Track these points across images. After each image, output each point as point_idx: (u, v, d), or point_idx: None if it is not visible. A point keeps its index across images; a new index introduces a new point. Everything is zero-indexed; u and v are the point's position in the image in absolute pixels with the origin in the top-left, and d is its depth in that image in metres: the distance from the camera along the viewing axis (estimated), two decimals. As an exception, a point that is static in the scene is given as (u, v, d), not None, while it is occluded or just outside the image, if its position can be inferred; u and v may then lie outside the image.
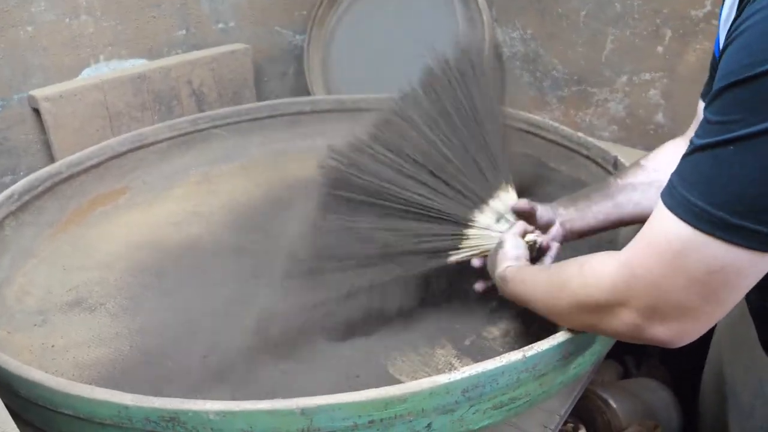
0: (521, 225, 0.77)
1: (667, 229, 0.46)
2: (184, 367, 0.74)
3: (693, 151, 0.45)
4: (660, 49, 1.32)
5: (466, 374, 0.55)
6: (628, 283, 0.50)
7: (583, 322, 0.58)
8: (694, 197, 0.43)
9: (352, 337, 0.79)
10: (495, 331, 0.80)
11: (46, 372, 0.73)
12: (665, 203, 0.46)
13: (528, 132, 1.19)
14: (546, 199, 0.85)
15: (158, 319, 0.83)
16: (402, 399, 0.54)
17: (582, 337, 0.62)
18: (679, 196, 0.45)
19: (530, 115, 1.19)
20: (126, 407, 0.54)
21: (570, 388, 0.73)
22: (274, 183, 1.21)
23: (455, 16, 1.35)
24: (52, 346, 0.80)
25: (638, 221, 0.82)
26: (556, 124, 1.15)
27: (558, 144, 1.15)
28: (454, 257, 0.79)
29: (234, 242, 1.01)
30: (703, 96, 0.70)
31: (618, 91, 1.42)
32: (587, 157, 1.08)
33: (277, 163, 1.27)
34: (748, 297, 0.62)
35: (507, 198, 0.81)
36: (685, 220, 0.44)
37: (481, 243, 0.79)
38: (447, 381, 0.55)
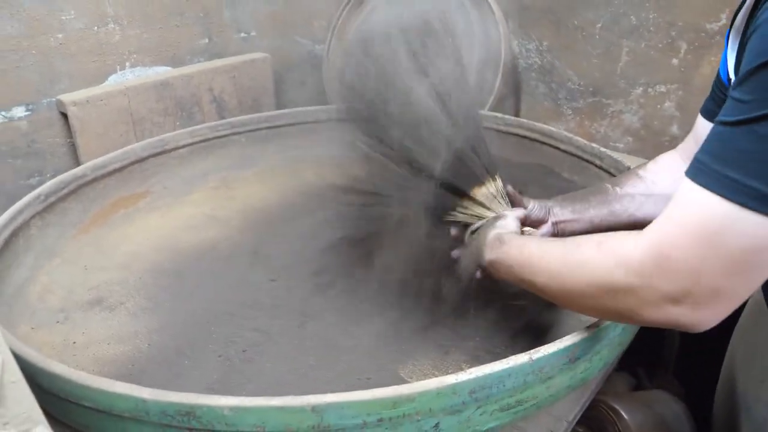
0: (521, 211, 0.80)
1: (700, 207, 0.45)
2: (200, 366, 0.77)
3: (725, 128, 0.45)
4: (675, 61, 1.33)
5: (473, 375, 0.56)
6: (660, 266, 0.48)
7: (602, 305, 0.55)
8: (730, 171, 0.44)
9: (364, 341, 0.80)
10: (505, 338, 0.81)
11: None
12: (697, 182, 0.46)
13: (542, 142, 1.20)
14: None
15: (176, 319, 0.86)
16: (410, 398, 0.55)
17: (588, 340, 0.63)
18: (713, 172, 0.45)
19: (544, 126, 1.20)
20: (144, 401, 0.56)
21: (578, 394, 0.74)
22: (289, 189, 1.23)
23: (472, 28, 1.37)
24: (73, 342, 0.82)
25: (629, 229, 0.83)
26: (570, 135, 1.16)
27: (572, 154, 1.15)
28: (449, 219, 0.83)
29: (250, 246, 1.04)
30: (703, 112, 0.73)
31: (633, 103, 1.42)
32: (601, 168, 1.09)
33: (293, 170, 1.30)
34: None
35: (496, 186, 0.83)
36: (720, 195, 0.44)
37: (476, 214, 0.82)
38: (454, 381, 0.56)
